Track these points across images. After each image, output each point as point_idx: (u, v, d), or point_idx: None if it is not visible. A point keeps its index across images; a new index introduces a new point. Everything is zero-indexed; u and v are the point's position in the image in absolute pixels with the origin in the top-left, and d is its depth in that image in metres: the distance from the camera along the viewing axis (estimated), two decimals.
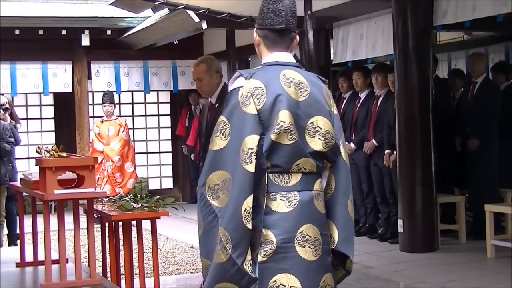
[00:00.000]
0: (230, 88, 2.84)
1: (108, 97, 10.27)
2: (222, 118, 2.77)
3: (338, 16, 8.92)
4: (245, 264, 2.70)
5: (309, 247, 2.77)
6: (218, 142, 2.74)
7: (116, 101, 13.05)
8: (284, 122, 2.74)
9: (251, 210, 2.69)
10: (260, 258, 2.73)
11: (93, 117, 12.81)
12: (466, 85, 8.20)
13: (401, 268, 6.70)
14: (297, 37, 2.97)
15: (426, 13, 7.31)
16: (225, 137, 2.74)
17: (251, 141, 2.70)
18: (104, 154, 10.14)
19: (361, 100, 8.41)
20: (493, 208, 6.96)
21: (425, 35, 7.34)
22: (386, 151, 7.80)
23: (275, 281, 2.73)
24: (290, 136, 2.76)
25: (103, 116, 10.42)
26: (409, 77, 7.29)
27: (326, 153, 2.85)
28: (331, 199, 2.90)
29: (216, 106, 5.26)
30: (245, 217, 2.68)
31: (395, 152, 7.60)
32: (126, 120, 10.73)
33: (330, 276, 2.85)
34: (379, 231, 8.17)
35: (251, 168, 2.68)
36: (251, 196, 2.69)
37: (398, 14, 7.34)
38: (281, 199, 2.76)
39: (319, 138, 2.82)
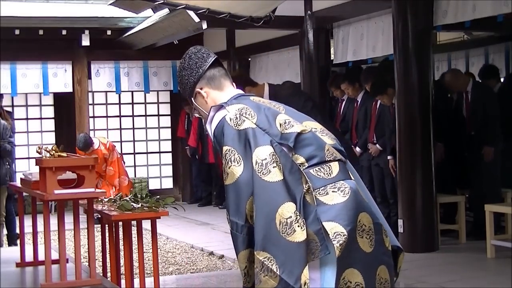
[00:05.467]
0: (214, 124, 2.72)
1: (82, 145, 9.61)
2: (225, 148, 2.63)
3: (338, 16, 8.92)
4: (302, 284, 2.45)
5: (365, 237, 2.60)
6: (235, 170, 2.59)
7: (116, 101, 13.13)
8: (288, 119, 2.69)
9: (290, 222, 2.48)
10: (337, 253, 2.51)
11: (93, 117, 12.83)
12: (459, 96, 8.17)
13: (401, 268, 6.68)
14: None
15: (426, 13, 7.31)
16: (238, 163, 2.60)
17: (262, 152, 2.58)
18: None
19: (358, 103, 8.42)
20: (493, 208, 6.95)
21: (425, 35, 7.34)
22: (389, 157, 7.78)
23: (344, 278, 2.54)
24: (303, 128, 2.70)
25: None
26: (409, 77, 7.29)
27: (338, 148, 2.74)
28: None
29: None
30: (283, 231, 2.47)
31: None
32: (108, 142, 10.20)
33: (385, 269, 2.69)
34: None
35: (271, 178, 2.54)
36: (285, 206, 2.50)
37: (398, 14, 7.34)
38: (333, 191, 2.59)
39: (322, 135, 2.76)
